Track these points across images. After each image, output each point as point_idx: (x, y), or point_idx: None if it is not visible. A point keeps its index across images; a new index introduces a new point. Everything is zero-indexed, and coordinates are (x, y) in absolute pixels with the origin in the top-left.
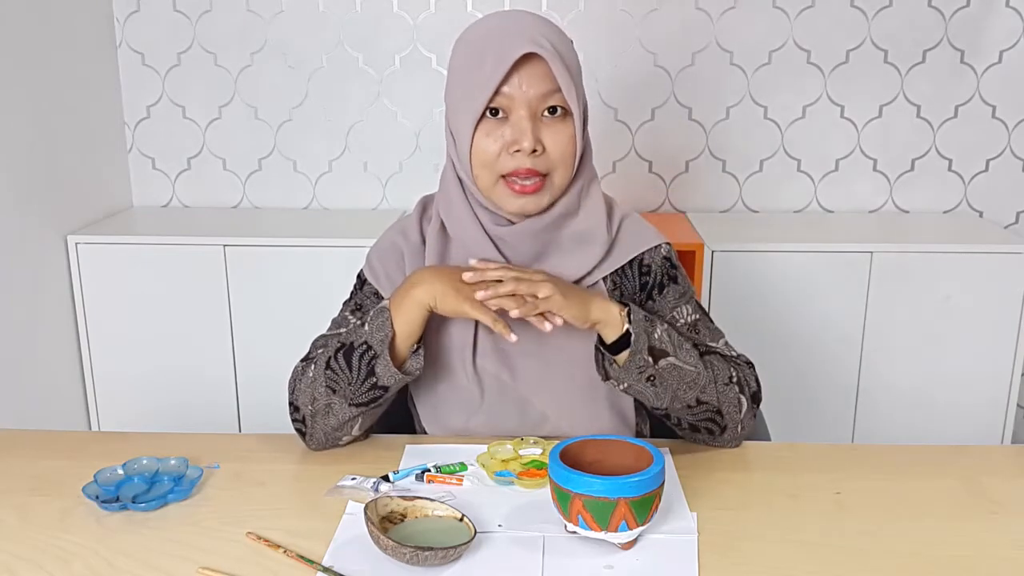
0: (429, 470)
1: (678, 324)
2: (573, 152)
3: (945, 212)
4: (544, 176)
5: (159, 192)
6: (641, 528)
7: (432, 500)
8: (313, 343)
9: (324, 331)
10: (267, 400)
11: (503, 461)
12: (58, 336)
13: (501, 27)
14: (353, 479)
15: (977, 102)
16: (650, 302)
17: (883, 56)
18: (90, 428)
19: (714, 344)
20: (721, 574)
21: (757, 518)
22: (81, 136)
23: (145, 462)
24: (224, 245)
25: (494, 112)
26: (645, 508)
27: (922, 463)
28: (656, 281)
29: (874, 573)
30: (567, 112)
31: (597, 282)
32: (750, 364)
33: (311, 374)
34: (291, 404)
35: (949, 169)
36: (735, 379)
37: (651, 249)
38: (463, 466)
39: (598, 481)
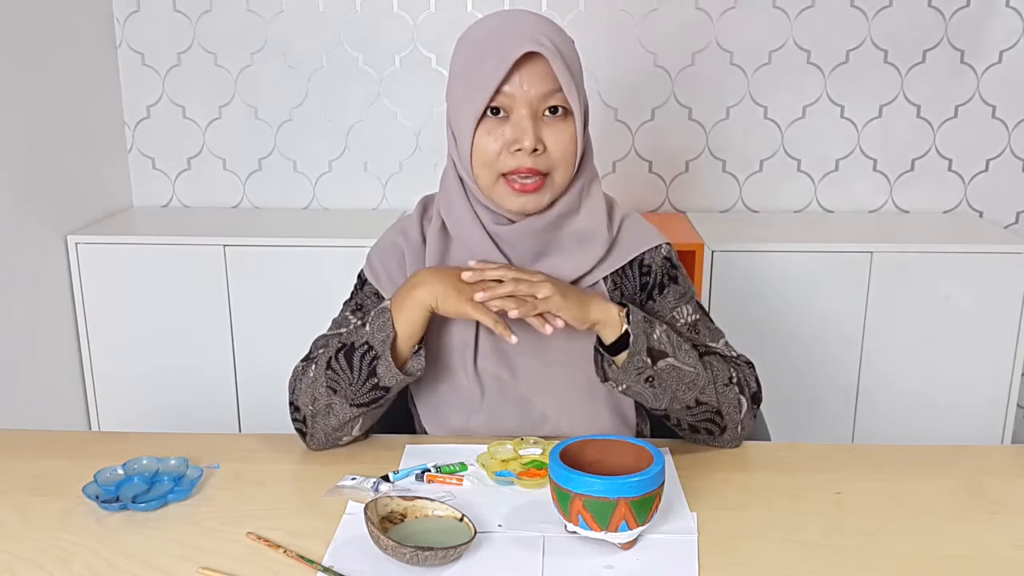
0: (429, 470)
1: (678, 324)
2: (574, 151)
3: (945, 212)
4: (545, 175)
5: (159, 192)
6: (641, 528)
7: (432, 500)
8: (314, 343)
9: (324, 331)
10: (267, 400)
11: (503, 461)
12: (58, 336)
13: (502, 27)
14: (353, 479)
15: (977, 102)
16: (650, 302)
17: (883, 56)
18: (90, 428)
19: (714, 344)
20: (721, 574)
21: (757, 518)
22: (81, 136)
23: (145, 462)
24: (224, 245)
25: (495, 111)
26: (645, 508)
27: (922, 463)
28: (656, 281)
29: (874, 573)
30: (568, 112)
31: (597, 282)
32: (750, 364)
33: (312, 374)
34: (291, 404)
35: (949, 169)
36: (735, 380)
37: (651, 249)
38: (463, 466)
39: (598, 481)
